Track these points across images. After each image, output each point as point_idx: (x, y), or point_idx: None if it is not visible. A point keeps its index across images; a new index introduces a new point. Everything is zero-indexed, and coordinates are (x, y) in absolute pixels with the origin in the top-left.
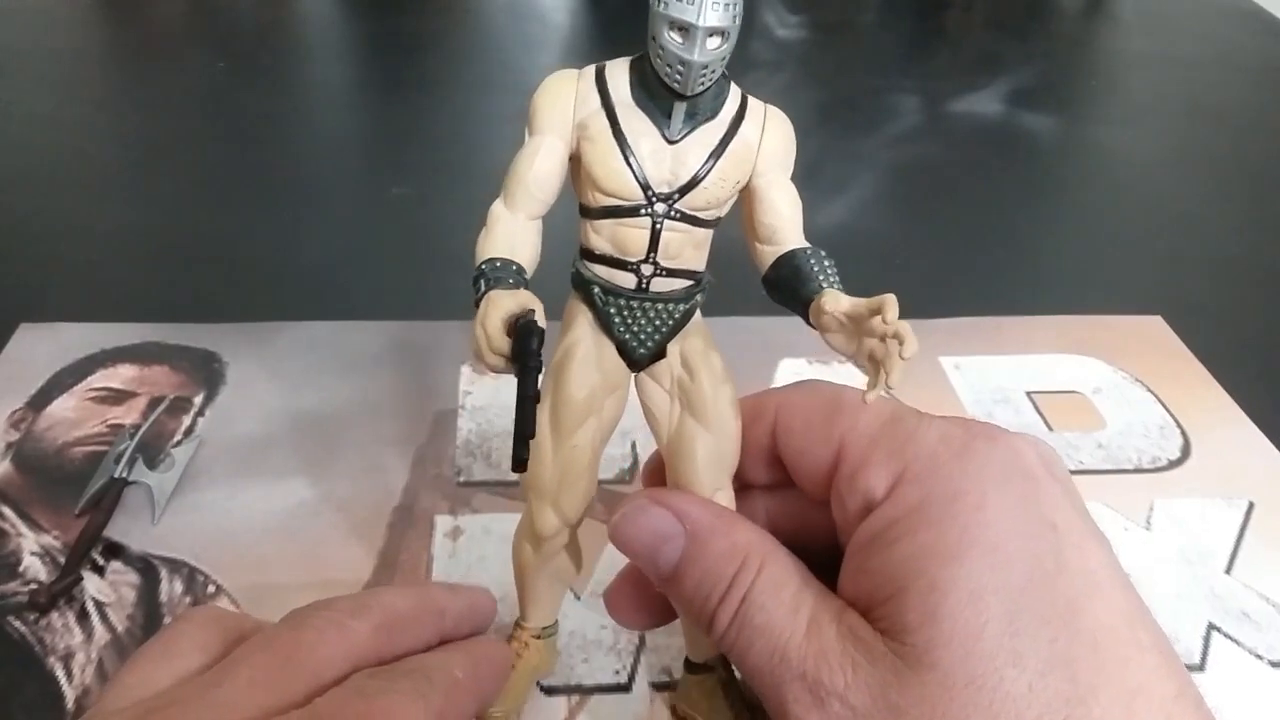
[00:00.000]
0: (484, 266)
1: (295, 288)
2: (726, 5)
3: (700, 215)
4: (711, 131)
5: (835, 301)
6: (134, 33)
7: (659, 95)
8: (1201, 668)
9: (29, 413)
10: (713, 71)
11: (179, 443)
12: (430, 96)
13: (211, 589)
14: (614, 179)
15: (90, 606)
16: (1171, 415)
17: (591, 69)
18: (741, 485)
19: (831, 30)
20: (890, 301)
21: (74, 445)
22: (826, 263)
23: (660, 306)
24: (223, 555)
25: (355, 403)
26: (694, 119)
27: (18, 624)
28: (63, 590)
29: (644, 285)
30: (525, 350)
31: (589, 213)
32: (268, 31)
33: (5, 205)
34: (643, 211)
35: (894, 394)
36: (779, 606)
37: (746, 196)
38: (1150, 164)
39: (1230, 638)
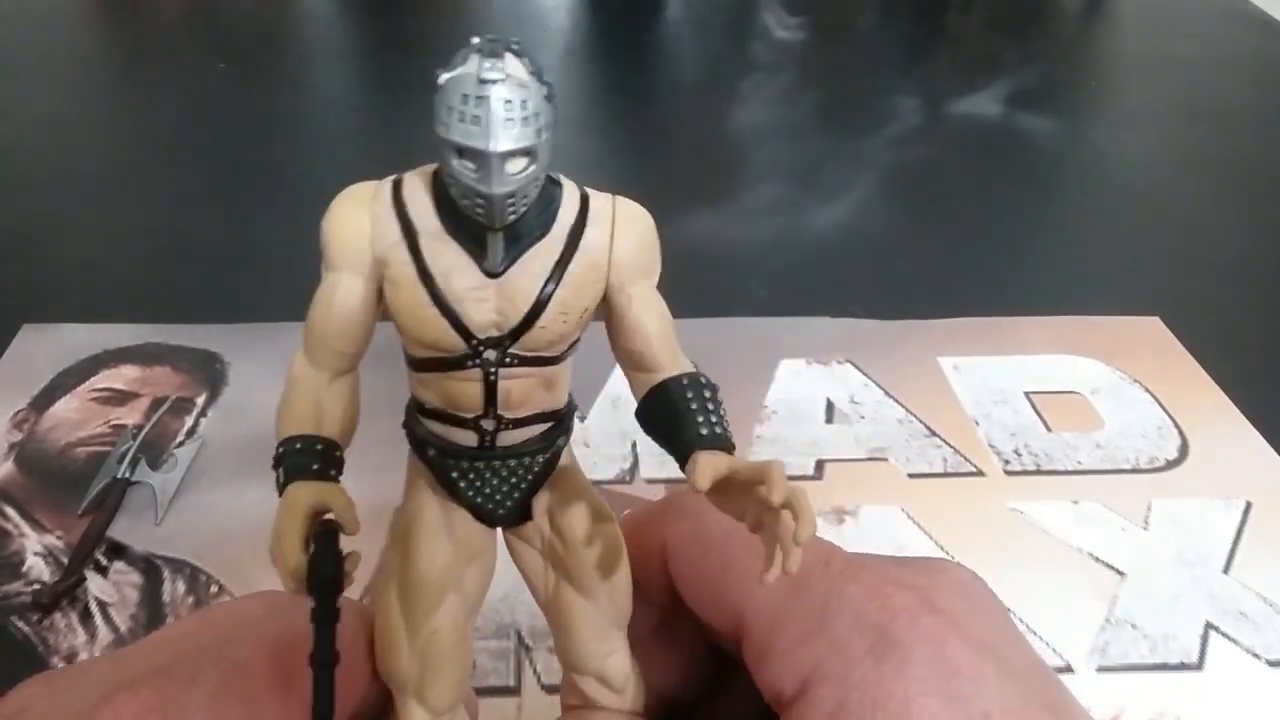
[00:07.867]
0: (281, 449)
1: (297, 288)
2: (525, 119)
3: (545, 354)
4: (544, 254)
5: (713, 467)
6: (134, 33)
7: (470, 222)
8: (1199, 667)
9: (32, 413)
10: (525, 196)
11: (182, 443)
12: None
13: (214, 589)
14: (426, 329)
15: (93, 607)
16: (1169, 416)
17: (388, 186)
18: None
19: (831, 31)
20: (776, 472)
21: (77, 446)
22: (706, 394)
23: (514, 463)
24: (225, 555)
25: None
26: (519, 244)
27: (21, 624)
28: (66, 590)
29: (488, 442)
30: (316, 569)
31: (412, 363)
32: (268, 32)
33: (6, 206)
34: (470, 363)
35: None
36: None
37: (606, 314)
38: (1148, 165)
39: (1228, 637)
